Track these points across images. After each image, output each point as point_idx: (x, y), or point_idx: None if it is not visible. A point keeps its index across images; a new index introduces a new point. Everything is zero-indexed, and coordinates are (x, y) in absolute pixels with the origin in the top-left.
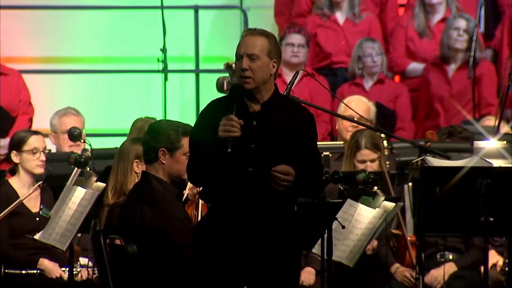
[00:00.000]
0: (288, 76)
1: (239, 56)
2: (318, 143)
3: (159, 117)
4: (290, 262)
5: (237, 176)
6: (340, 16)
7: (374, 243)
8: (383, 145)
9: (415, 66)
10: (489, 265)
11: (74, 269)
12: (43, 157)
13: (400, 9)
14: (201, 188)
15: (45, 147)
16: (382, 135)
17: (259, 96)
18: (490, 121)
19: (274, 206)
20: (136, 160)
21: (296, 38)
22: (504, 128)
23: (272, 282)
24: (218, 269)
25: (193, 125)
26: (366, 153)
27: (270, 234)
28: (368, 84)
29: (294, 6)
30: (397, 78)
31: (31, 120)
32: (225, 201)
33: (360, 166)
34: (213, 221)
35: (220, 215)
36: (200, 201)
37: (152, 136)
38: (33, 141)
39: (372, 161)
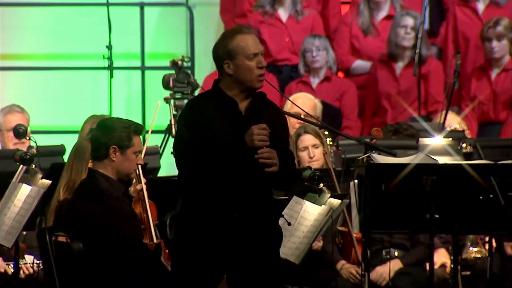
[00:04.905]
0: None
1: (252, 55)
2: None
3: (105, 113)
4: (274, 258)
5: (235, 174)
6: (283, 13)
7: (320, 242)
8: (326, 140)
9: (360, 64)
10: (438, 264)
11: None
12: None
13: (343, 6)
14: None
15: None
16: (326, 132)
17: (246, 95)
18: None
19: (263, 203)
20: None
21: None
22: (455, 119)
23: (255, 276)
24: (200, 262)
25: (179, 126)
26: (307, 138)
27: (258, 231)
28: (315, 82)
29: (236, 5)
30: (340, 75)
31: None
32: (221, 198)
33: (303, 155)
34: (202, 217)
35: (212, 212)
36: (147, 198)
37: (103, 133)
38: None
39: (315, 146)
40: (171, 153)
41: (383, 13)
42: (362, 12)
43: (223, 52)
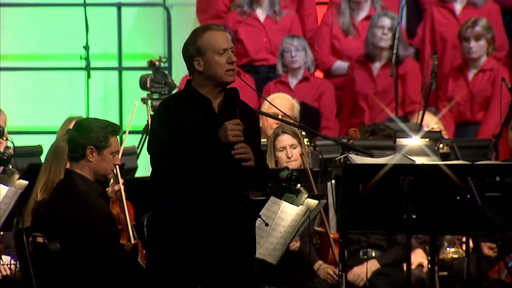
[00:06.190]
0: None
1: (222, 51)
2: None
3: (82, 114)
4: (249, 263)
5: (212, 172)
6: (260, 13)
7: (297, 243)
8: (303, 141)
9: (341, 65)
10: (415, 264)
11: None
12: None
13: (319, 6)
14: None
15: None
16: (304, 133)
17: (219, 92)
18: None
19: (239, 205)
20: None
21: None
22: (432, 120)
23: (228, 283)
24: (174, 266)
25: (153, 126)
26: (285, 138)
27: (234, 235)
28: (293, 82)
29: (211, 6)
30: (320, 75)
31: None
32: (196, 199)
33: (282, 156)
34: (177, 218)
35: (187, 213)
36: (124, 199)
37: (80, 134)
38: None
39: (293, 147)
40: None
41: (363, 13)
42: (344, 12)
43: (192, 50)
